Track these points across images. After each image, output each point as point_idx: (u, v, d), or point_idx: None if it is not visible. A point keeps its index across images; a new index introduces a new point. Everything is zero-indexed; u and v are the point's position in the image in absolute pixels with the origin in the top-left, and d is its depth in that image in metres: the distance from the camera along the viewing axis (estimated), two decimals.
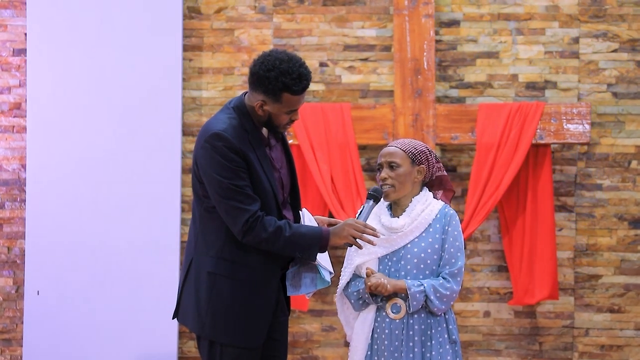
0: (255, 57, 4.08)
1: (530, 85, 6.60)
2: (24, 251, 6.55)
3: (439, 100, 6.57)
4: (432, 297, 4.24)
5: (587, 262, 6.55)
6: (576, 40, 6.59)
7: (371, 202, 4.23)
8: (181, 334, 6.64)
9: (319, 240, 4.06)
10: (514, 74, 6.62)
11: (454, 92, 6.63)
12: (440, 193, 4.49)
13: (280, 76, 3.97)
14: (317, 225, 4.24)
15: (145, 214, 6.49)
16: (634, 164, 6.55)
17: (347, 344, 6.37)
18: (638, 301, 6.52)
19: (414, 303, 4.24)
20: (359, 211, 4.20)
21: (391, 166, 4.36)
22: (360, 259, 4.36)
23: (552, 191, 6.40)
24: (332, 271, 4.24)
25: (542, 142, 6.39)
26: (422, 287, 4.24)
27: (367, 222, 4.14)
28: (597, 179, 6.55)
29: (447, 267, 4.31)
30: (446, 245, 4.32)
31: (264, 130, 4.17)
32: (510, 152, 6.35)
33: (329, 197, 6.39)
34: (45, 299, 6.44)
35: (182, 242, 6.52)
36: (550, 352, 6.54)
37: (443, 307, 4.28)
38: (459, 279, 4.31)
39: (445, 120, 6.46)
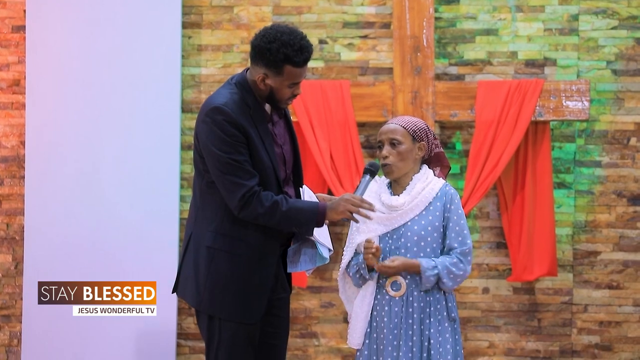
0: (256, 31, 4.08)
1: (530, 63, 6.59)
2: (23, 227, 6.56)
3: (438, 77, 6.57)
4: (444, 280, 4.26)
5: (585, 238, 6.56)
6: (575, 18, 6.58)
7: (368, 176, 4.21)
8: (180, 311, 6.65)
9: (315, 215, 4.06)
10: (514, 51, 6.61)
11: (453, 70, 6.62)
12: (437, 170, 4.49)
13: (281, 47, 3.96)
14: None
15: (144, 190, 6.49)
16: (633, 141, 6.55)
17: (346, 321, 6.38)
18: (637, 277, 6.54)
19: (427, 285, 4.25)
20: (357, 186, 4.20)
21: (392, 143, 4.35)
22: (361, 237, 4.36)
23: (551, 168, 6.41)
24: (331, 248, 4.24)
25: (541, 119, 6.39)
26: (436, 271, 4.24)
27: (364, 197, 4.14)
28: (596, 156, 6.55)
29: (457, 246, 4.30)
30: (451, 224, 4.32)
31: (267, 107, 4.16)
32: (510, 129, 6.35)
33: (328, 174, 6.39)
34: (45, 275, 6.43)
35: (181, 219, 6.52)
36: (549, 328, 6.56)
37: (454, 286, 4.31)
38: (469, 258, 4.32)
39: (445, 97, 6.46)
